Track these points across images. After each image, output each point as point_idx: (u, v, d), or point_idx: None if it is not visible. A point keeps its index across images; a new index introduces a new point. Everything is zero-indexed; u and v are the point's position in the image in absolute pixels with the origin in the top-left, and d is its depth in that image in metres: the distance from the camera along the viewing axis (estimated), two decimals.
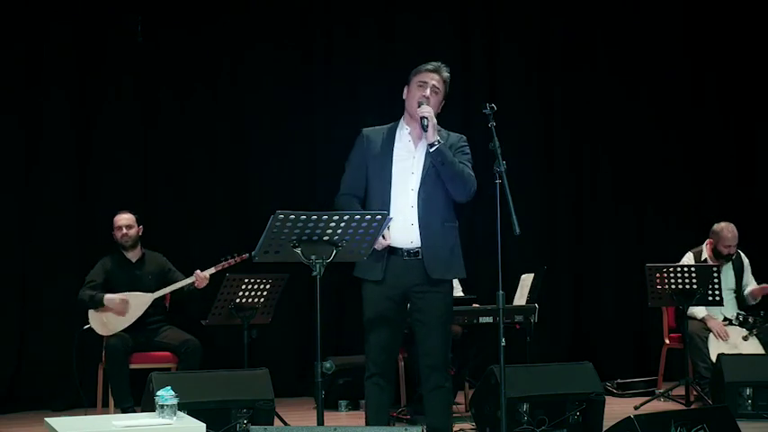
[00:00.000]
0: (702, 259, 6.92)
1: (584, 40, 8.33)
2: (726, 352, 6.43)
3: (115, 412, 5.93)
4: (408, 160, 4.45)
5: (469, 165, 4.45)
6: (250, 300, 6.02)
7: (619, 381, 7.37)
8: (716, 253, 6.89)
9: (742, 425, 4.69)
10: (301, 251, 4.02)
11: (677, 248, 7.21)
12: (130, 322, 6.15)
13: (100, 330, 6.15)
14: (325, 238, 4.03)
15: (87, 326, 6.16)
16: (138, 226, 6.42)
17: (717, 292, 6.50)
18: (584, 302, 8.23)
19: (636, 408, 6.35)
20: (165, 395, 4.09)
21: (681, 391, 6.60)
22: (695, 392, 6.52)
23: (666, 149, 8.41)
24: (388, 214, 4.25)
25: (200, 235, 7.32)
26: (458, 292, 6.21)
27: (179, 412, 4.14)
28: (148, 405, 4.80)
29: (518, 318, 6.12)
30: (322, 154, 7.63)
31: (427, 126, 4.31)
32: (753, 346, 6.63)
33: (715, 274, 6.51)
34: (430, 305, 4.39)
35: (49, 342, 6.86)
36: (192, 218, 7.36)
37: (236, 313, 6.00)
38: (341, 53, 7.74)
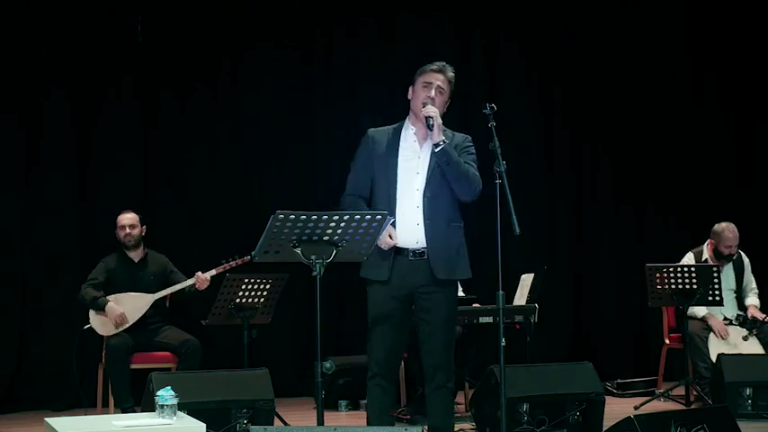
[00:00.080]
0: (703, 259, 6.92)
1: (584, 40, 8.32)
2: (726, 352, 6.43)
3: (115, 412, 5.93)
4: (414, 160, 4.45)
5: (475, 165, 4.46)
6: (250, 300, 6.02)
7: (619, 381, 7.37)
8: (717, 253, 6.89)
9: (742, 425, 4.69)
10: (301, 251, 4.02)
11: (677, 248, 7.21)
12: (131, 323, 6.15)
13: (100, 330, 6.15)
14: (325, 238, 4.03)
15: (88, 325, 6.17)
16: (142, 226, 6.43)
17: (717, 293, 6.50)
18: (584, 302, 8.23)
19: (636, 408, 6.35)
20: (165, 395, 4.09)
21: (681, 391, 6.60)
22: (695, 392, 6.52)
23: (666, 149, 8.41)
24: (393, 214, 4.28)
25: (200, 235, 7.32)
26: (458, 292, 6.21)
27: (179, 412, 4.14)
28: (148, 405, 4.80)
29: (518, 318, 6.12)
30: (322, 154, 7.64)
31: (432, 126, 4.31)
32: (753, 346, 6.63)
33: (715, 275, 6.51)
34: (435, 305, 4.40)
35: (49, 342, 6.86)
36: (191, 218, 7.36)
37: (236, 313, 6.00)
38: (341, 53, 7.74)
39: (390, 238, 4.31)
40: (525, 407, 5.35)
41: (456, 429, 4.90)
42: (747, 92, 8.47)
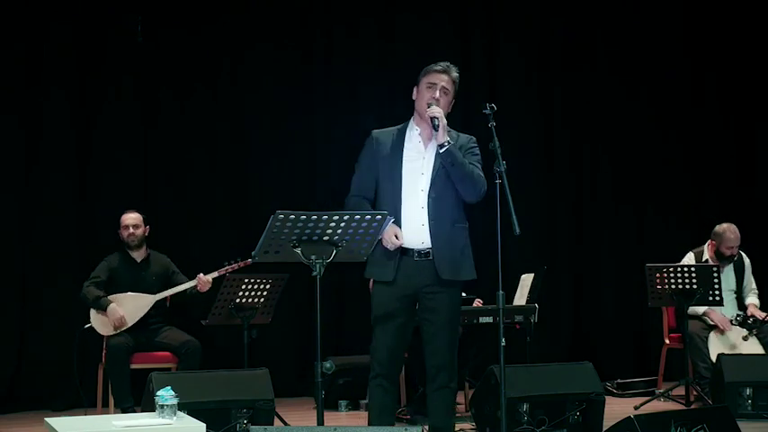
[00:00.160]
0: (704, 260, 6.91)
1: (585, 40, 8.33)
2: (726, 352, 6.43)
3: (115, 412, 5.93)
4: (418, 161, 4.46)
5: (479, 165, 4.46)
6: (250, 300, 6.02)
7: (619, 381, 7.37)
8: (718, 255, 6.88)
9: (742, 425, 4.69)
10: (301, 251, 4.02)
11: (677, 248, 7.21)
12: (131, 324, 6.15)
13: (101, 330, 6.15)
14: (325, 238, 4.03)
15: (88, 325, 6.17)
16: (145, 226, 6.43)
17: (717, 293, 6.50)
18: (584, 302, 8.23)
19: (636, 408, 6.35)
20: (165, 395, 4.09)
21: (681, 391, 6.60)
22: (695, 392, 6.51)
23: (666, 149, 8.41)
24: (398, 215, 4.30)
25: (199, 235, 7.32)
26: None
27: (179, 412, 4.14)
28: (148, 405, 4.80)
29: (518, 318, 6.12)
30: (322, 154, 7.64)
31: (438, 126, 4.31)
32: (753, 346, 6.63)
33: (715, 275, 6.50)
34: (440, 305, 4.41)
35: (49, 342, 6.86)
36: (191, 218, 7.36)
37: (236, 313, 6.00)
38: (341, 53, 7.74)
39: (396, 238, 4.32)
40: (525, 407, 5.35)
41: (456, 429, 4.90)
42: (747, 92, 8.47)
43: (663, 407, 6.50)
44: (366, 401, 6.48)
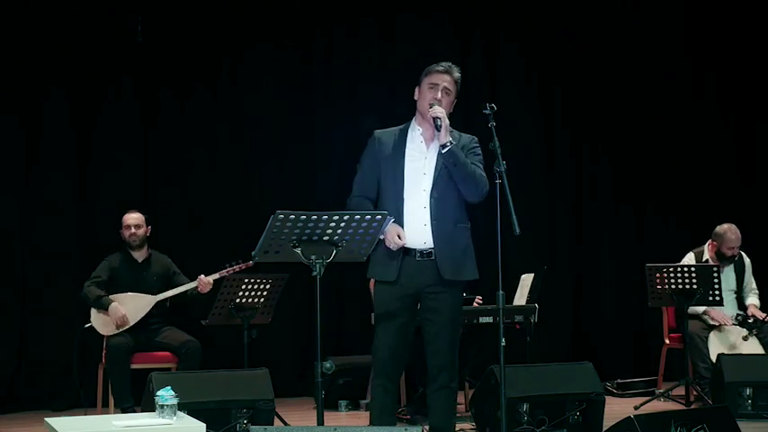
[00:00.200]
0: (704, 260, 6.91)
1: (584, 40, 8.33)
2: (726, 352, 6.43)
3: (115, 412, 5.93)
4: (420, 161, 4.46)
5: (481, 165, 4.47)
6: (250, 300, 6.02)
7: (619, 381, 7.37)
8: (719, 255, 6.88)
9: (742, 425, 4.69)
10: (301, 251, 4.03)
11: (677, 248, 7.21)
12: (133, 323, 6.15)
13: (101, 330, 6.15)
14: (325, 238, 4.03)
15: (89, 324, 6.17)
16: (147, 226, 6.43)
17: (717, 293, 6.49)
18: (584, 302, 8.23)
19: (636, 408, 6.35)
20: (165, 395, 4.09)
21: (681, 391, 6.60)
22: (695, 392, 6.51)
23: (666, 149, 8.41)
24: (401, 215, 4.31)
25: (200, 235, 7.32)
26: None
27: (179, 412, 4.14)
28: (148, 405, 4.80)
29: (518, 318, 6.12)
30: (322, 154, 7.64)
31: (441, 126, 4.32)
32: (753, 346, 6.63)
33: (715, 275, 6.50)
34: (442, 305, 4.42)
35: (49, 342, 6.86)
36: (191, 218, 7.36)
37: (236, 313, 6.00)
38: (341, 53, 7.74)
39: (399, 238, 4.33)
40: (525, 407, 5.35)
41: (456, 429, 4.90)
42: (747, 92, 8.47)
43: (663, 407, 6.50)
44: (366, 401, 6.49)
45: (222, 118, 7.49)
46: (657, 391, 6.82)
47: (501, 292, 4.23)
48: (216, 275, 6.16)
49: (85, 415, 5.54)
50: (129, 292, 6.25)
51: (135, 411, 5.68)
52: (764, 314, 6.77)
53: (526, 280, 6.40)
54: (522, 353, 6.02)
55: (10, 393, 6.82)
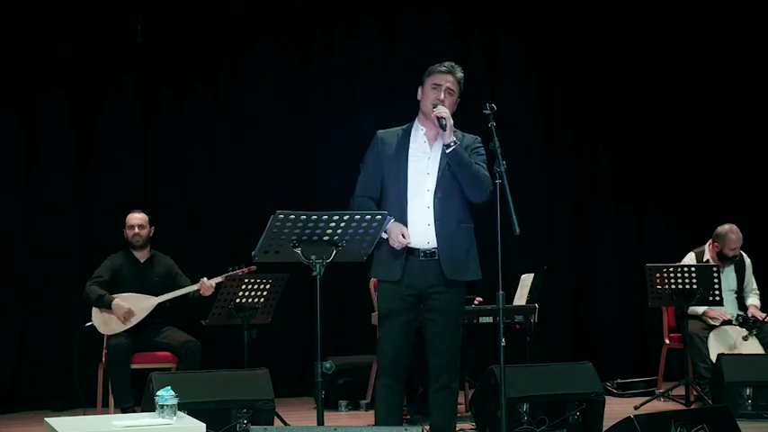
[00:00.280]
0: (705, 260, 6.91)
1: (585, 40, 8.33)
2: (726, 352, 6.43)
3: (115, 412, 5.93)
4: (423, 161, 4.47)
5: (484, 166, 4.47)
6: (250, 300, 6.02)
7: (619, 381, 7.37)
8: (720, 256, 6.87)
9: (742, 425, 4.69)
10: (301, 251, 4.03)
11: (677, 248, 7.21)
12: (133, 324, 6.15)
13: (102, 329, 6.14)
14: (325, 238, 4.04)
15: (89, 323, 6.16)
16: (150, 227, 6.43)
17: (717, 293, 6.49)
18: (584, 302, 8.23)
19: (636, 408, 6.35)
20: (165, 395, 4.09)
21: (681, 391, 6.60)
22: (695, 392, 6.52)
23: (666, 149, 8.41)
24: (404, 215, 4.31)
25: (200, 235, 7.32)
26: None
27: (179, 412, 4.14)
28: (148, 405, 4.80)
29: (518, 318, 6.12)
30: (322, 154, 7.64)
31: (445, 126, 4.32)
32: (753, 346, 6.63)
33: (715, 275, 6.50)
34: (444, 305, 4.42)
35: (49, 342, 6.86)
36: (192, 218, 7.36)
37: (236, 313, 6.00)
38: (341, 53, 7.74)
39: (403, 237, 4.33)
40: (525, 407, 5.35)
41: (456, 429, 4.91)
42: (747, 92, 8.47)
43: (663, 407, 6.50)
44: (366, 401, 6.50)
45: (222, 118, 7.49)
46: (657, 391, 6.82)
47: (501, 292, 4.23)
48: (218, 279, 6.12)
49: (85, 415, 5.54)
50: (131, 292, 6.24)
51: (135, 411, 5.68)
52: (765, 314, 6.77)
53: (526, 280, 6.40)
54: (522, 353, 6.01)
55: (10, 393, 6.82)
